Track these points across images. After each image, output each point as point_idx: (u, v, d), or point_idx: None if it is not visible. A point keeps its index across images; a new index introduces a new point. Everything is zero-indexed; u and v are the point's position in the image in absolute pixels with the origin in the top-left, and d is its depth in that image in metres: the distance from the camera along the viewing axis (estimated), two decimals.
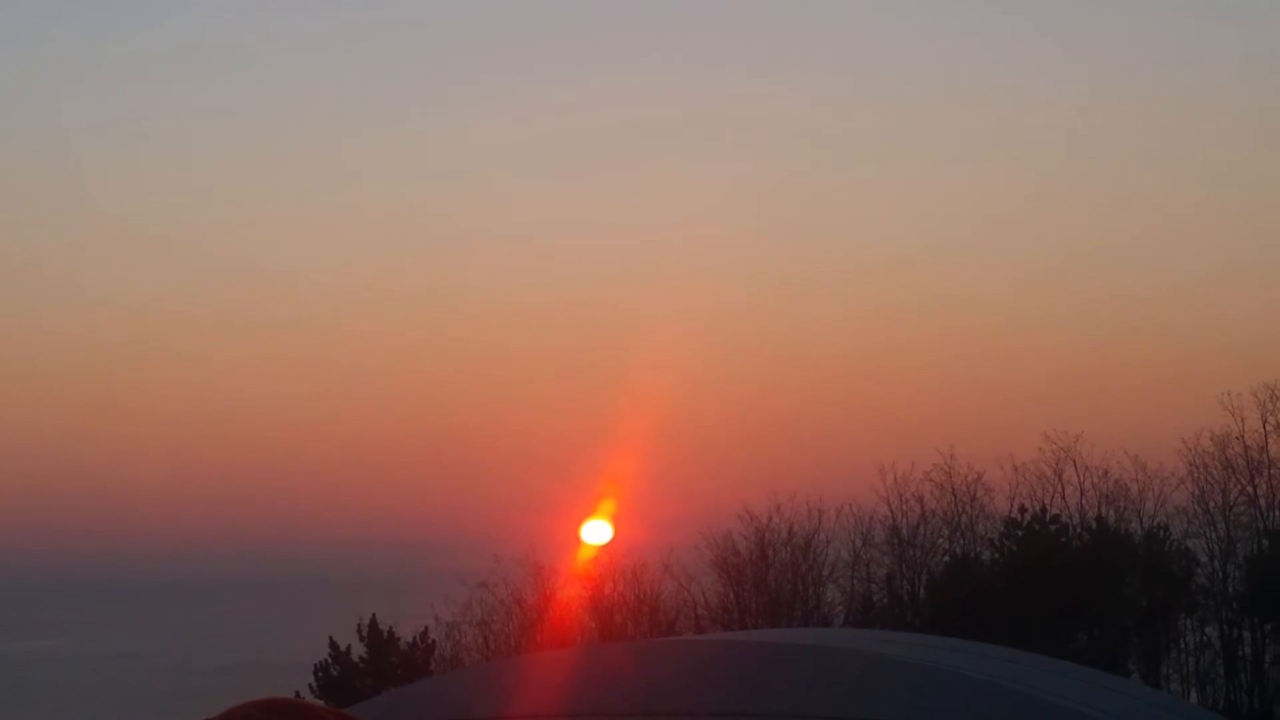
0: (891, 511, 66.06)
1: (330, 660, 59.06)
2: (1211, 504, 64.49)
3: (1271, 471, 64.65)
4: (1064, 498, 65.89)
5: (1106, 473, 65.75)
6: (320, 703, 2.76)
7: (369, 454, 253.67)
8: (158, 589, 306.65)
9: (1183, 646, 65.43)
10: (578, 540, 68.41)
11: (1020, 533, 64.10)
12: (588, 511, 68.41)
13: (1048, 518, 64.39)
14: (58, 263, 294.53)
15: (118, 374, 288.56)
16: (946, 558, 66.30)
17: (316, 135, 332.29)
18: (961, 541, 66.42)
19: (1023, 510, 64.71)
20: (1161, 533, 64.60)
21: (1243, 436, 64.67)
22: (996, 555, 65.19)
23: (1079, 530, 65.10)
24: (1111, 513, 65.47)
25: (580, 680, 28.18)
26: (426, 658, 59.59)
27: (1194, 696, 62.53)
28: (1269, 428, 64.67)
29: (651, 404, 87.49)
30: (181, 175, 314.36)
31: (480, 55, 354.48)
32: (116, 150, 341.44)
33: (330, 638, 59.69)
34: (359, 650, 59.14)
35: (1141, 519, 65.33)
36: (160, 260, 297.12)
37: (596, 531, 68.01)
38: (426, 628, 61.15)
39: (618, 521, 68.46)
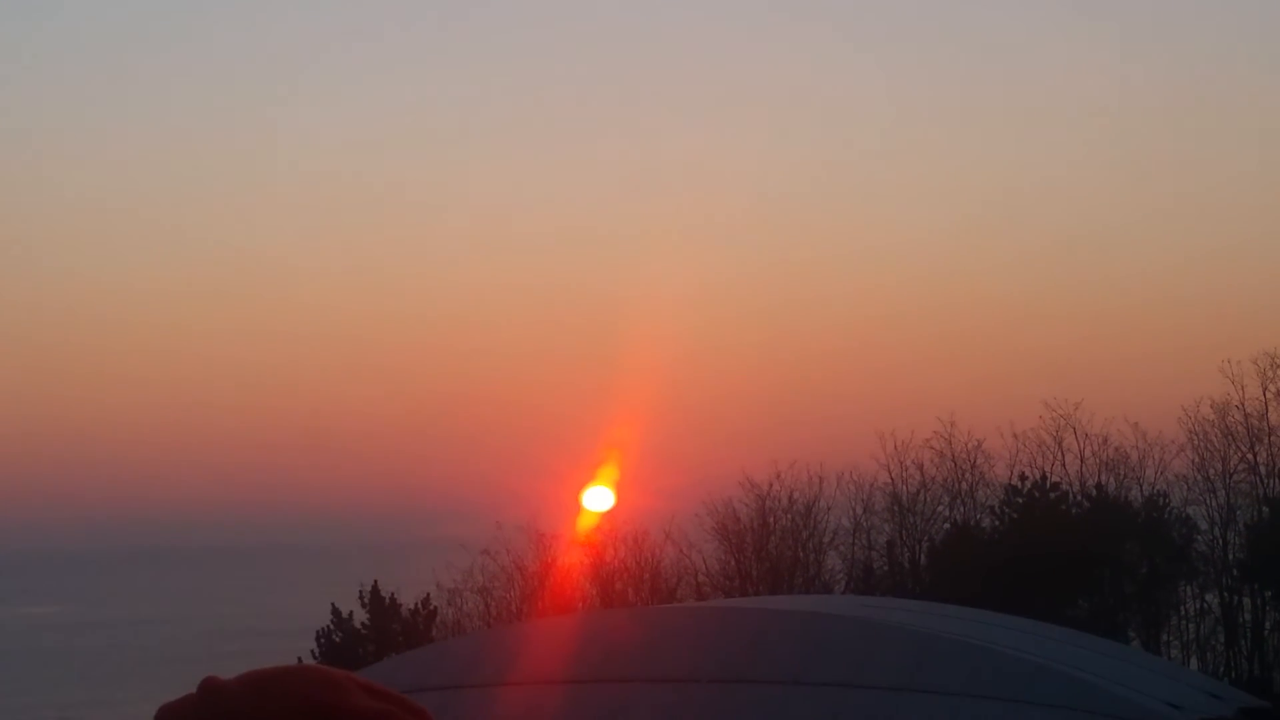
0: (892, 479, 66.17)
1: (333, 626, 59.17)
2: (1211, 471, 64.52)
3: (1271, 439, 64.68)
4: (1064, 465, 65.96)
5: (1107, 440, 65.82)
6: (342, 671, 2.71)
7: (371, 421, 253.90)
8: (157, 555, 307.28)
9: (1183, 613, 65.53)
10: (579, 507, 68.56)
11: (1021, 500, 64.16)
12: (589, 478, 68.58)
13: (1048, 485, 64.44)
14: (26, 240, 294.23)
15: (109, 345, 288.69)
16: (947, 525, 66.36)
17: (303, 109, 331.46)
18: (962, 509, 66.50)
19: (1023, 478, 64.76)
20: (1161, 500, 64.64)
21: (1243, 404, 64.71)
22: (997, 523, 65.26)
23: (1079, 498, 65.13)
24: (1112, 480, 65.52)
25: (582, 646, 28.28)
26: (428, 624, 59.70)
27: (1194, 663, 62.68)
28: (1269, 395, 64.70)
29: (653, 372, 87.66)
30: (156, 156, 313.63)
31: (472, 25, 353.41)
32: (76, 129, 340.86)
33: (332, 604, 59.80)
34: (361, 617, 59.24)
35: (1142, 486, 65.40)
36: (144, 238, 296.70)
37: (598, 498, 68.16)
38: (428, 594, 61.25)
39: (619, 488, 68.63)
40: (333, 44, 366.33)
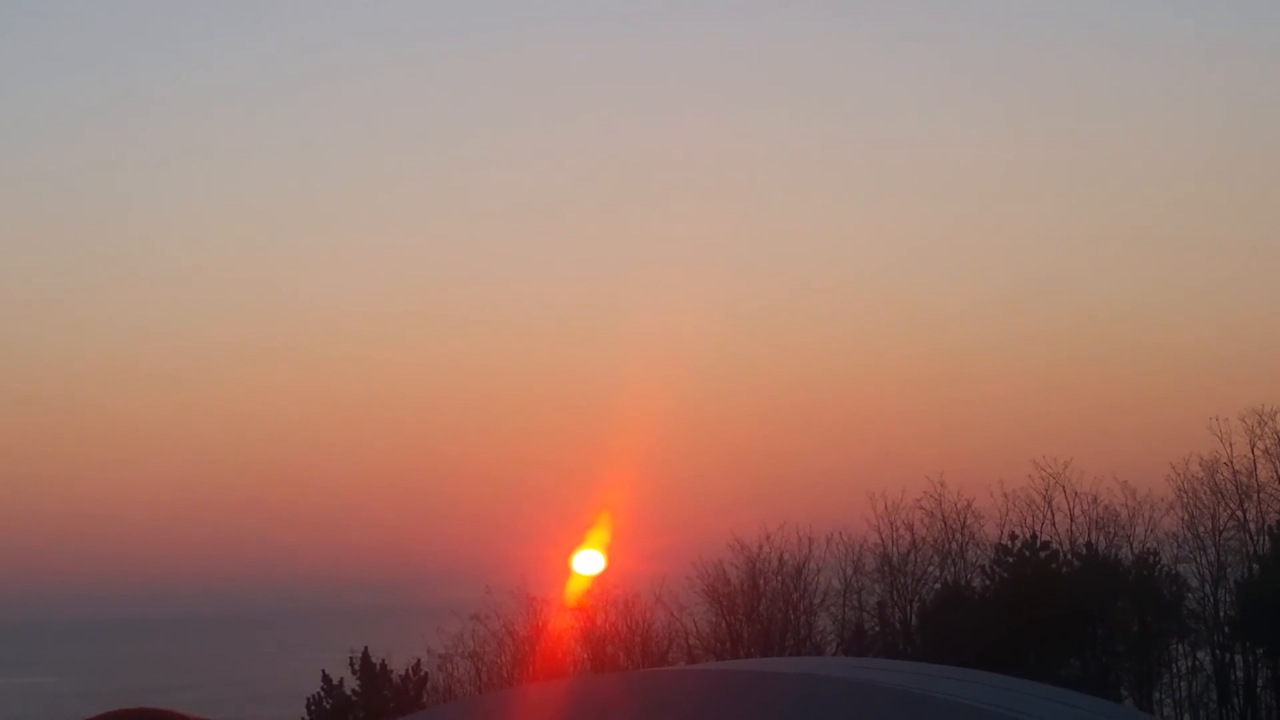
0: (882, 539, 66.10)
1: (323, 693, 58.92)
2: (1201, 529, 64.53)
3: (1260, 496, 64.73)
4: (1054, 524, 65.92)
5: (1096, 499, 65.83)
6: (190, 713, 2.81)
7: (362, 486, 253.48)
8: (151, 625, 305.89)
9: (1175, 671, 65.42)
10: (569, 570, 68.36)
11: (1011, 560, 64.11)
12: (579, 542, 68.40)
13: (1038, 544, 64.39)
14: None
15: (101, 423, 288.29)
16: (938, 585, 66.26)
17: (311, 172, 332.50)
18: (952, 569, 66.42)
19: (1013, 537, 64.72)
20: (1152, 558, 64.61)
21: (1231, 462, 64.78)
22: (988, 582, 65.17)
23: (1069, 557, 65.09)
24: (1101, 539, 65.51)
25: (573, 712, 28.20)
26: (419, 690, 59.46)
27: None
28: (1257, 452, 64.79)
29: (642, 435, 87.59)
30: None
31: (481, 104, 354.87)
32: (129, 184, 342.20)
33: (323, 670, 59.56)
34: (352, 683, 59.00)
35: (1132, 544, 65.37)
36: (146, 323, 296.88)
37: (588, 562, 67.97)
38: (419, 660, 61.02)
39: (610, 551, 68.43)
40: (323, 121, 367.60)
